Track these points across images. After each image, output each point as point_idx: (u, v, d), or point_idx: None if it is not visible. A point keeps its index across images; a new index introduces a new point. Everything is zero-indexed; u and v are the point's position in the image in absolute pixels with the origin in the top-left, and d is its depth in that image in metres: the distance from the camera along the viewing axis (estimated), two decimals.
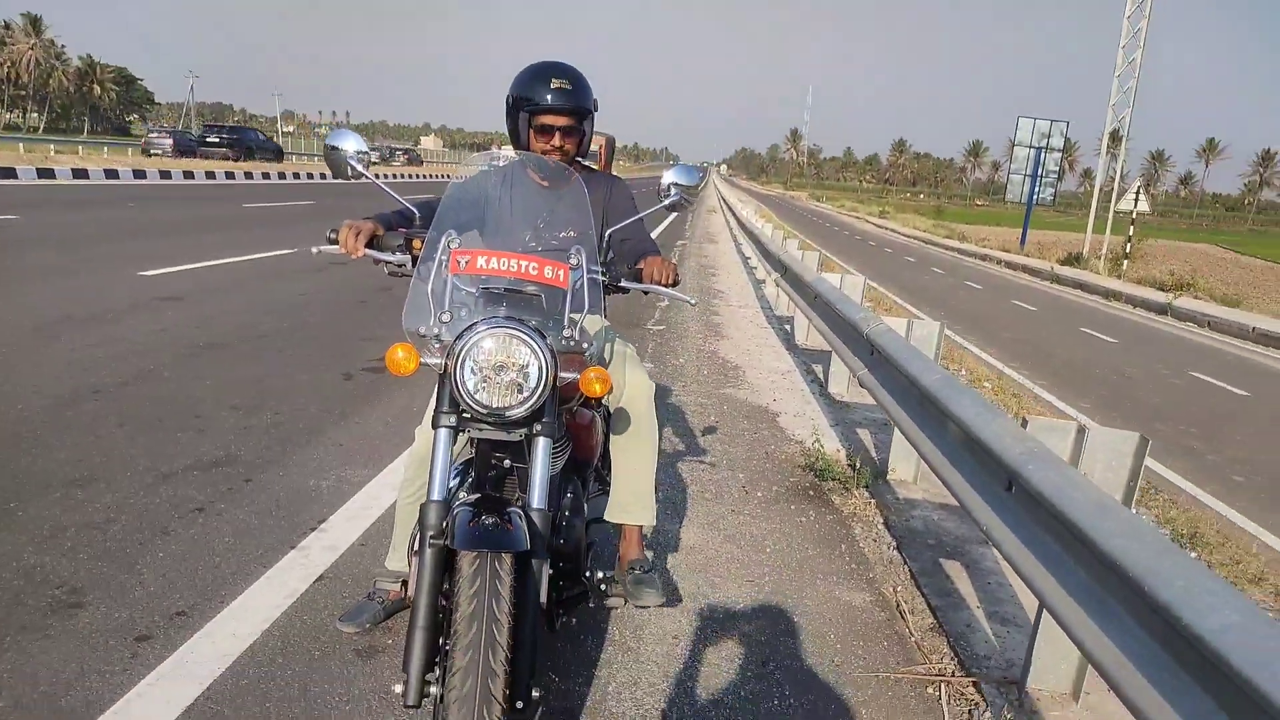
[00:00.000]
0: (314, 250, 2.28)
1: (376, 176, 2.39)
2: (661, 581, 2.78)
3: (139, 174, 24.09)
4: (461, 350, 1.86)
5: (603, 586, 2.59)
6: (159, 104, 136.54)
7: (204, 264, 9.72)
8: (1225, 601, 1.50)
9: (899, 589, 3.49)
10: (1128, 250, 27.26)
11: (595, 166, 2.85)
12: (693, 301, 2.58)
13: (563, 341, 1.96)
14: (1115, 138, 29.57)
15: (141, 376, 5.25)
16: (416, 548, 1.95)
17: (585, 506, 2.61)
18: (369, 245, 2.21)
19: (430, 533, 1.86)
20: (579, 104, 2.46)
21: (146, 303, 7.44)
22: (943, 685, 2.79)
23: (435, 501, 1.91)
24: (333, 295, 8.75)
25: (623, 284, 2.27)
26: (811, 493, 4.45)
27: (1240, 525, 5.75)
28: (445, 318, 1.94)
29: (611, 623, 2.94)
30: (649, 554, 2.91)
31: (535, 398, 1.89)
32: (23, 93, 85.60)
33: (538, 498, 1.95)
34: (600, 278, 2.14)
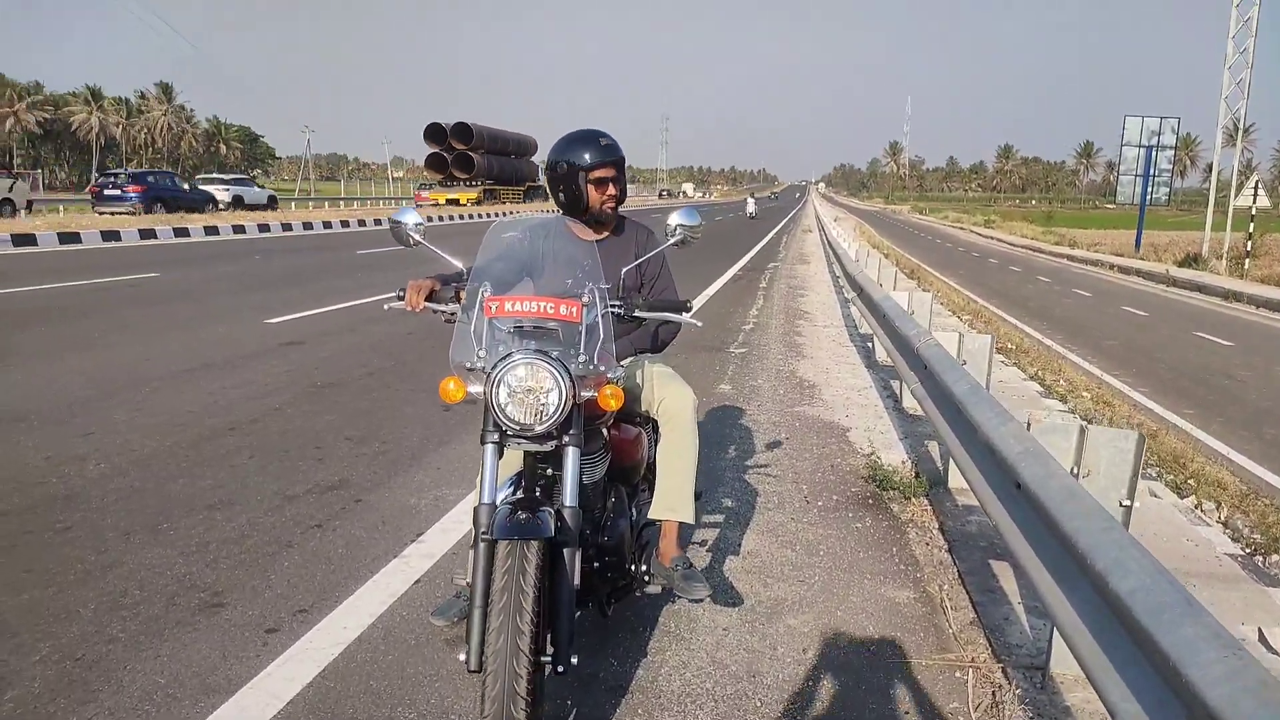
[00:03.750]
0: (385, 306, 2.78)
1: (429, 242, 2.84)
2: (706, 577, 3.13)
3: (263, 228, 25.99)
4: (497, 376, 2.27)
5: (646, 578, 2.96)
6: (279, 158, 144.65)
7: (321, 310, 10.60)
8: (1132, 558, 1.77)
9: (945, 587, 3.72)
10: (1249, 248, 25.96)
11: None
12: (699, 324, 2.91)
13: (580, 366, 2.35)
14: (1233, 131, 28.26)
15: (269, 413, 5.93)
16: (473, 544, 2.37)
17: (633, 510, 2.99)
18: (428, 299, 2.66)
19: (481, 530, 2.26)
20: (620, 155, 2.91)
21: (272, 348, 8.25)
22: (971, 670, 3.03)
23: (484, 505, 2.31)
24: (432, 335, 9.42)
25: (637, 314, 2.65)
26: (871, 501, 4.70)
27: None
28: (483, 353, 2.36)
29: (666, 616, 3.31)
30: (688, 554, 3.25)
31: (558, 414, 2.28)
32: (158, 155, 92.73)
33: (569, 497, 2.34)
34: (616, 310, 2.54)
